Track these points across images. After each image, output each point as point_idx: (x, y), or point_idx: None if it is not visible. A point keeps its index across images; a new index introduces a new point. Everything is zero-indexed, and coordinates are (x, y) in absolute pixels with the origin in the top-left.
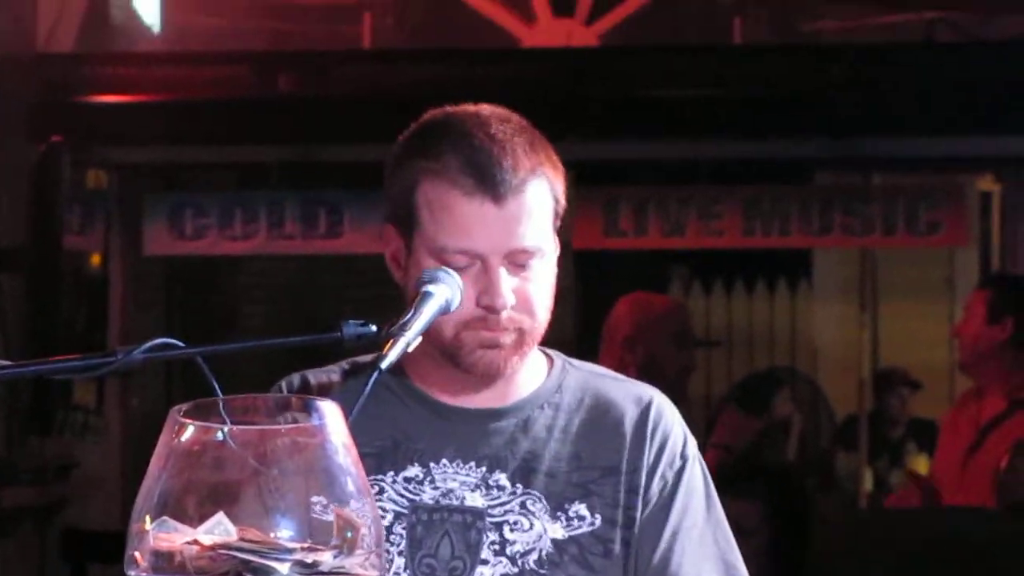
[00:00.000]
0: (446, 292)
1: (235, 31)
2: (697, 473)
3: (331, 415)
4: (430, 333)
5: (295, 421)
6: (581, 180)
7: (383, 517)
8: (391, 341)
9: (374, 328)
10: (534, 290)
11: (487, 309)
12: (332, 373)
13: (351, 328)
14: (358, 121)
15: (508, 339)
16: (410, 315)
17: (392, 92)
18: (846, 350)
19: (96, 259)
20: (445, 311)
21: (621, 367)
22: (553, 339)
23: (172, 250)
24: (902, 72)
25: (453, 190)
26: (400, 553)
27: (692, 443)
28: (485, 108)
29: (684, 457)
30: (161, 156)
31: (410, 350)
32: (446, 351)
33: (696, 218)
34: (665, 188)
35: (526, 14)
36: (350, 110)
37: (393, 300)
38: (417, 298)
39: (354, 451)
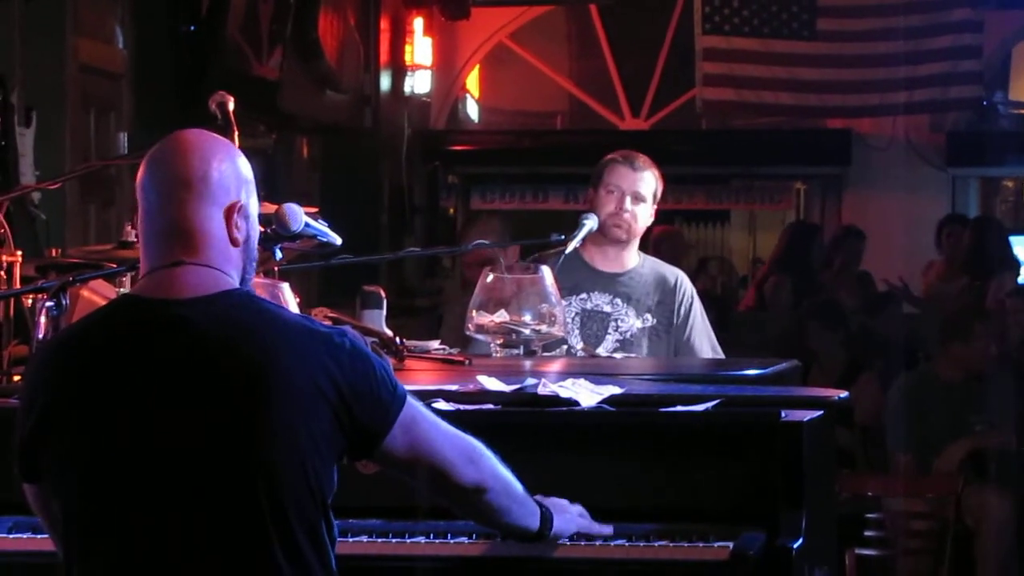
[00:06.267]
0: (591, 223)
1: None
2: (697, 303)
3: (546, 271)
4: (600, 225)
5: (532, 274)
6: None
7: (574, 317)
8: (568, 241)
9: (563, 237)
10: (639, 213)
11: (620, 209)
12: (536, 260)
13: (556, 236)
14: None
15: (624, 224)
16: (577, 231)
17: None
18: None
19: (452, 210)
20: (591, 231)
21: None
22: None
23: (480, 207)
24: None
25: (616, 163)
26: (577, 331)
27: (693, 290)
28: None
29: (692, 297)
30: (482, 171)
31: (576, 246)
32: (602, 227)
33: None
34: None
35: (619, 113)
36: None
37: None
38: (580, 225)
39: (555, 287)
